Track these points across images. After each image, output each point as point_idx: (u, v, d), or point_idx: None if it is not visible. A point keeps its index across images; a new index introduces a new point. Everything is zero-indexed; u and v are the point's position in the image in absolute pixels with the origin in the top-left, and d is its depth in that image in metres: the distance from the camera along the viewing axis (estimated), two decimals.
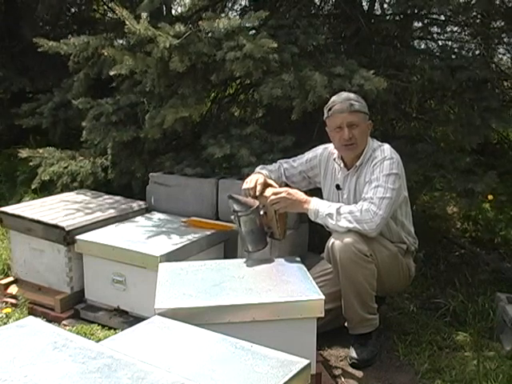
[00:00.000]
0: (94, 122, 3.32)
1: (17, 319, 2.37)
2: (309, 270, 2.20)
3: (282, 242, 2.47)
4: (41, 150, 3.63)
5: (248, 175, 2.54)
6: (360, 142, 2.33)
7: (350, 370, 2.27)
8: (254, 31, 3.05)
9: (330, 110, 2.34)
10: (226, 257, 2.77)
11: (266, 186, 2.38)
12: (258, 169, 2.56)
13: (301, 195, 2.30)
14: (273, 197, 2.29)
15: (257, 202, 2.31)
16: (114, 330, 2.42)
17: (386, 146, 2.35)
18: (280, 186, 2.43)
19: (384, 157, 2.29)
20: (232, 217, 2.33)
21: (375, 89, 2.66)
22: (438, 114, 3.61)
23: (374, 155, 2.33)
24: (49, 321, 2.32)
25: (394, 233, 2.37)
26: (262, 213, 2.33)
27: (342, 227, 2.19)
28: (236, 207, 2.29)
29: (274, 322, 1.87)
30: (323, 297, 1.91)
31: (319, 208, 2.24)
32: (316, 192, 2.58)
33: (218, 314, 1.84)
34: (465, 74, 2.97)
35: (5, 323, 2.38)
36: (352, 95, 2.36)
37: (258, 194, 2.34)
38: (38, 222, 2.71)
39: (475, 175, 2.87)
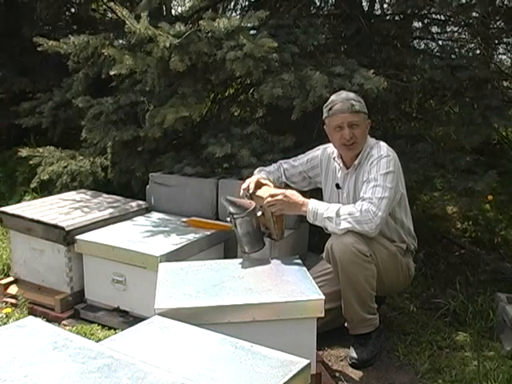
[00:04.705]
0: (94, 121, 3.31)
1: (17, 319, 2.37)
2: (309, 270, 2.20)
3: (282, 242, 2.46)
4: (41, 149, 3.63)
5: (248, 176, 2.54)
6: (360, 142, 2.34)
7: (350, 370, 2.27)
8: (254, 31, 3.05)
9: (330, 109, 2.34)
10: (225, 257, 2.77)
11: (259, 185, 2.38)
12: (256, 171, 2.56)
13: (298, 197, 2.29)
14: (269, 199, 2.28)
15: (253, 204, 2.30)
16: (114, 329, 2.42)
17: (382, 144, 2.35)
18: (279, 187, 2.43)
19: (380, 155, 2.29)
20: (228, 219, 2.33)
21: (375, 88, 2.66)
22: (439, 113, 3.61)
23: (371, 153, 2.33)
24: (49, 321, 2.31)
25: (393, 231, 2.37)
26: (259, 214, 2.32)
27: (341, 230, 2.18)
28: (231, 209, 2.29)
29: (274, 322, 1.87)
30: (323, 297, 1.91)
31: (318, 210, 2.23)
32: (316, 192, 2.57)
33: (218, 314, 1.83)
34: (465, 73, 2.97)
35: (5, 323, 2.38)
36: (352, 95, 2.36)
37: (250, 191, 2.34)
38: (38, 221, 2.71)
39: (475, 175, 2.86)
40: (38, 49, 3.36)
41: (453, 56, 3.32)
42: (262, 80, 2.79)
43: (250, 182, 2.38)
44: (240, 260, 2.28)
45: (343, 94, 2.37)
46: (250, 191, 2.34)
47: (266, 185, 2.40)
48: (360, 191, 2.29)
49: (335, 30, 3.70)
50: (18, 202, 3.70)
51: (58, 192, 3.35)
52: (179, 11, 4.81)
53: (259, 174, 2.51)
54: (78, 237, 2.62)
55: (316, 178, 2.58)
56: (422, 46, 3.89)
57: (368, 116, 2.37)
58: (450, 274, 3.14)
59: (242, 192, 2.38)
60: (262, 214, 2.33)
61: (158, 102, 3.07)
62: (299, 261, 2.25)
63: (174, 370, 1.35)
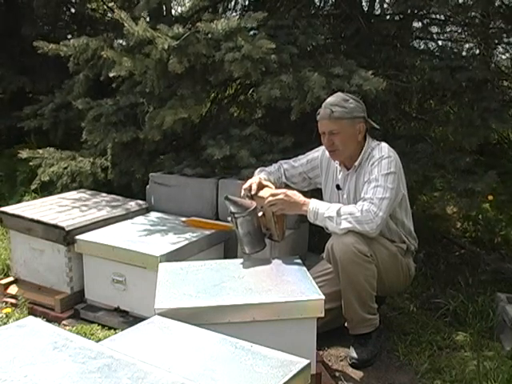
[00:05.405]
0: (94, 122, 3.32)
1: (17, 319, 2.37)
2: (309, 270, 2.20)
3: (282, 241, 2.46)
4: (41, 151, 3.63)
5: (248, 177, 2.54)
6: (343, 148, 2.33)
7: (350, 369, 2.27)
8: (254, 31, 3.05)
9: (318, 114, 2.35)
10: (225, 257, 2.77)
11: (261, 186, 2.38)
12: (256, 172, 2.56)
13: (299, 197, 2.29)
14: (270, 198, 2.28)
15: (254, 204, 2.29)
16: (114, 329, 2.42)
17: (383, 145, 2.35)
18: (279, 188, 2.43)
19: (381, 156, 2.29)
20: (229, 218, 2.33)
21: (374, 89, 2.66)
22: (438, 114, 3.61)
23: (372, 154, 2.33)
24: (49, 321, 2.31)
25: (394, 232, 2.37)
26: (260, 214, 2.32)
27: (342, 229, 2.18)
28: (232, 209, 2.28)
29: (274, 322, 1.87)
30: (323, 297, 1.91)
31: (318, 210, 2.23)
32: (317, 192, 2.57)
33: (218, 314, 1.83)
34: (464, 74, 2.98)
35: (5, 323, 2.38)
36: (337, 100, 2.32)
37: (253, 192, 2.34)
38: (38, 221, 2.71)
39: (475, 175, 2.87)
40: (38, 52, 3.36)
41: (452, 56, 3.32)
42: (261, 81, 2.80)
43: (252, 183, 2.37)
44: (240, 260, 2.28)
45: (330, 99, 2.35)
46: (253, 192, 2.34)
47: (267, 186, 2.40)
48: (361, 192, 2.29)
49: (335, 31, 3.71)
50: (18, 202, 3.70)
51: (59, 193, 3.35)
52: (179, 11, 4.81)
53: (260, 174, 2.51)
54: (78, 237, 2.62)
55: (316, 178, 2.58)
56: (422, 46, 3.89)
57: (365, 118, 2.35)
58: (450, 274, 3.14)
59: (243, 192, 2.38)
60: (263, 214, 2.33)
61: (158, 104, 3.07)
62: (299, 261, 2.25)
63: (174, 369, 1.35)
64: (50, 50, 3.30)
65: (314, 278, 2.10)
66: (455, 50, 3.65)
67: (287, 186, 2.53)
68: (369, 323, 2.28)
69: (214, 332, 1.58)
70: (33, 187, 3.61)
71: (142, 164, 3.33)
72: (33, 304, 2.69)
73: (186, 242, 2.57)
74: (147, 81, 2.97)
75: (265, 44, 2.73)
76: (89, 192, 3.31)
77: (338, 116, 2.28)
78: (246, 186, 2.39)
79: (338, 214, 2.19)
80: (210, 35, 2.85)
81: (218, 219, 2.92)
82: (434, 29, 3.81)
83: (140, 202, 3.12)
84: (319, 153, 2.55)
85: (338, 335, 2.39)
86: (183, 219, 2.85)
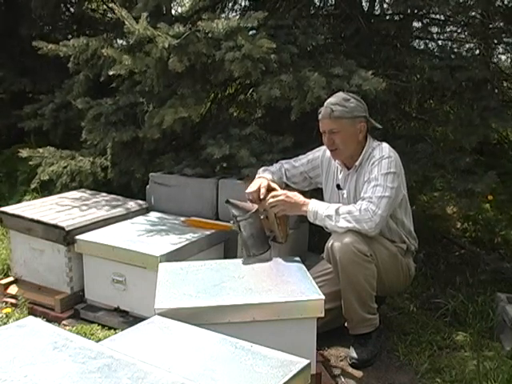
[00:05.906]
0: (94, 122, 3.31)
1: (17, 319, 2.37)
2: (309, 270, 2.20)
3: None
4: (41, 150, 3.63)
5: (248, 176, 2.54)
6: (343, 147, 2.33)
7: (350, 369, 2.27)
8: (254, 31, 3.05)
9: (319, 113, 2.36)
10: (225, 257, 2.77)
11: (269, 189, 2.37)
12: (260, 171, 2.56)
13: (299, 197, 2.30)
14: (271, 200, 2.29)
15: (255, 206, 2.30)
16: (114, 329, 2.42)
17: (384, 145, 2.35)
18: (281, 188, 2.43)
19: (382, 156, 2.29)
20: (231, 222, 2.33)
21: (374, 89, 2.66)
22: (438, 113, 3.61)
23: (372, 154, 2.33)
24: (49, 321, 2.31)
25: (394, 232, 2.37)
26: (262, 217, 2.32)
27: (341, 228, 2.19)
28: (234, 212, 2.28)
29: (274, 322, 1.87)
30: (323, 297, 1.91)
31: (318, 210, 2.23)
32: (317, 192, 2.58)
33: (218, 314, 1.83)
34: (464, 73, 2.98)
35: (5, 323, 2.38)
36: (338, 99, 2.33)
37: (261, 197, 2.33)
38: (38, 222, 2.71)
39: (475, 175, 2.87)
40: (38, 52, 3.36)
41: (452, 56, 3.33)
42: (261, 81, 2.79)
43: (262, 187, 2.36)
44: (240, 260, 2.28)
45: (330, 98, 2.36)
46: (262, 196, 2.33)
47: (274, 189, 2.39)
48: (361, 192, 2.30)
49: (335, 30, 3.70)
50: (18, 202, 3.70)
51: (58, 192, 3.35)
52: (179, 11, 4.80)
53: (264, 174, 2.51)
54: (78, 237, 2.62)
55: (317, 178, 2.58)
56: (422, 46, 3.89)
57: (366, 118, 2.35)
58: (450, 274, 3.14)
59: (249, 196, 2.35)
60: (266, 217, 2.33)
61: (157, 103, 3.07)
62: (299, 261, 2.25)
63: (174, 370, 1.35)
64: (49, 51, 3.30)
65: (314, 278, 2.10)
66: (455, 50, 3.65)
67: (287, 186, 2.53)
68: (369, 323, 2.28)
69: (214, 332, 1.58)
70: (32, 186, 3.61)
71: (142, 163, 3.33)
72: (33, 304, 2.69)
73: (186, 242, 2.57)
74: (147, 79, 2.96)
75: (265, 43, 2.73)
76: (89, 192, 3.31)
77: (339, 115, 2.29)
78: (254, 188, 2.36)
79: (337, 212, 2.20)
80: (210, 34, 2.84)
81: (218, 219, 2.92)
82: (434, 29, 3.81)
83: (140, 201, 3.12)
84: (320, 153, 2.56)
85: (338, 335, 2.39)
86: (183, 219, 2.85)
